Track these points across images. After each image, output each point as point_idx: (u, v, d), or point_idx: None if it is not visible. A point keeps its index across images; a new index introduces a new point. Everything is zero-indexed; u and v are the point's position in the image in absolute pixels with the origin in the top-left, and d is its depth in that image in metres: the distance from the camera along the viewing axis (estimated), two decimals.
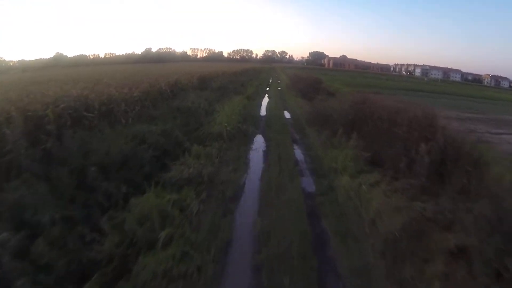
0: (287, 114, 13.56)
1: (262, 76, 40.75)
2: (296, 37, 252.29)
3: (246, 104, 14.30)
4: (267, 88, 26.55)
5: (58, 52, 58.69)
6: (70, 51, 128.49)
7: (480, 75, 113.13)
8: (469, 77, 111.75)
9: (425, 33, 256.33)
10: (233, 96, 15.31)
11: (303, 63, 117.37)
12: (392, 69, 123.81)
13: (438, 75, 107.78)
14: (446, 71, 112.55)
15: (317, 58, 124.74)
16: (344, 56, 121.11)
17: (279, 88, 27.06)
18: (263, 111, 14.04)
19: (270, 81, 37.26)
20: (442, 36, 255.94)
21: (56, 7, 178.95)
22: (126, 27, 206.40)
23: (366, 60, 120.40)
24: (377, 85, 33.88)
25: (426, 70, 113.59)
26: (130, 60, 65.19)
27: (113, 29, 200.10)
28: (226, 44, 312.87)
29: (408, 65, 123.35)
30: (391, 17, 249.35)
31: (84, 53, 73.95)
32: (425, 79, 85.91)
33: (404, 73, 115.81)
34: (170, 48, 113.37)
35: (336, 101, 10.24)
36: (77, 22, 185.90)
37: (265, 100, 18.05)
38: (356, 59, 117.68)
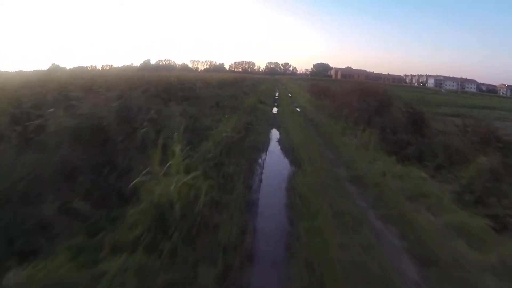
0: None
1: (262, 89, 29.89)
2: (298, 50, 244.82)
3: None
4: (274, 110, 16.07)
5: (54, 64, 50.50)
6: (68, 63, 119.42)
7: (495, 86, 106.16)
8: (484, 88, 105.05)
9: (435, 42, 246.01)
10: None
11: (308, 75, 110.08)
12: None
13: (453, 86, 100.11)
14: (461, 82, 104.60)
15: (322, 70, 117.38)
16: (349, 68, 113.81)
17: (298, 110, 16.79)
18: None
19: (277, 94, 28.53)
20: (454, 46, 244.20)
21: (54, 18, 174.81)
22: (125, 40, 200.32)
23: (375, 71, 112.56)
24: (428, 101, 25.24)
25: (440, 80, 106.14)
26: (128, 72, 58.14)
27: (113, 41, 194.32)
28: (227, 57, 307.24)
29: (420, 75, 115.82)
30: (397, 26, 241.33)
31: (82, 65, 66.71)
32: (442, 90, 78.29)
33: (416, 84, 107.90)
34: (169, 60, 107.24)
35: None
36: (76, 34, 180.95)
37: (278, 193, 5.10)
38: (365, 70, 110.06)
